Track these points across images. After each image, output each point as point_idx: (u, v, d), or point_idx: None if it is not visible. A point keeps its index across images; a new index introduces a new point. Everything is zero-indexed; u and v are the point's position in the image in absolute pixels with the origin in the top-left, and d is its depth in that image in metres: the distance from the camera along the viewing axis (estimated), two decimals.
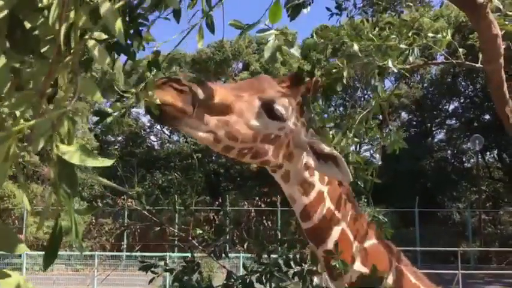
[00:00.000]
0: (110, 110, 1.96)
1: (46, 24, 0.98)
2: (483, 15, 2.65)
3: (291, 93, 2.24)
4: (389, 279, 2.37)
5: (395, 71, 2.63)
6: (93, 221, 29.96)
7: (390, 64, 2.54)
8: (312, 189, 2.32)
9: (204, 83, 2.06)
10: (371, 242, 2.41)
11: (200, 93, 1.99)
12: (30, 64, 1.02)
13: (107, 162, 0.98)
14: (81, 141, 32.35)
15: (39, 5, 1.00)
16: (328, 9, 4.81)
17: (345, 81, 2.44)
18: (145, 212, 3.35)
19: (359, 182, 3.03)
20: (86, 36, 1.01)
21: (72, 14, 1.00)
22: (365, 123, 3.63)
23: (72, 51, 1.01)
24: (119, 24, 1.00)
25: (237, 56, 36.21)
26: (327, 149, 2.24)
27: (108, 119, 1.98)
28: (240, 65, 36.82)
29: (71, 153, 0.97)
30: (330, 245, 2.33)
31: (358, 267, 2.33)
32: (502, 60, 2.90)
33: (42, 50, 1.03)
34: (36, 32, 1.01)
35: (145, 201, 3.48)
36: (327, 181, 2.36)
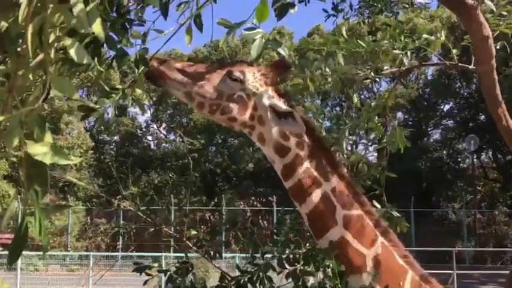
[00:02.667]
0: (95, 106, 1.99)
1: (17, 23, 0.97)
2: (473, 16, 2.65)
3: (256, 69, 2.71)
4: (372, 253, 2.54)
5: (372, 80, 2.75)
6: (89, 220, 29.83)
7: (372, 74, 2.62)
8: (288, 152, 2.64)
9: (187, 62, 2.74)
10: (356, 211, 2.62)
11: (178, 65, 2.65)
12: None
13: (76, 160, 1.00)
14: (77, 140, 32.20)
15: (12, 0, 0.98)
16: (324, 10, 4.81)
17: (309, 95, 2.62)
18: (140, 213, 3.34)
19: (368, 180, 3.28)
20: (60, 34, 0.99)
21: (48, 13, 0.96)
22: (366, 123, 3.68)
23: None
24: (98, 24, 0.97)
25: (233, 55, 36.16)
26: (283, 107, 2.61)
27: (97, 116, 1.98)
28: None
29: (41, 152, 0.95)
30: (310, 203, 2.59)
31: (340, 229, 2.56)
32: (493, 62, 2.90)
33: (19, 49, 1.00)
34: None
35: (139, 202, 3.47)
36: (305, 146, 2.65)
